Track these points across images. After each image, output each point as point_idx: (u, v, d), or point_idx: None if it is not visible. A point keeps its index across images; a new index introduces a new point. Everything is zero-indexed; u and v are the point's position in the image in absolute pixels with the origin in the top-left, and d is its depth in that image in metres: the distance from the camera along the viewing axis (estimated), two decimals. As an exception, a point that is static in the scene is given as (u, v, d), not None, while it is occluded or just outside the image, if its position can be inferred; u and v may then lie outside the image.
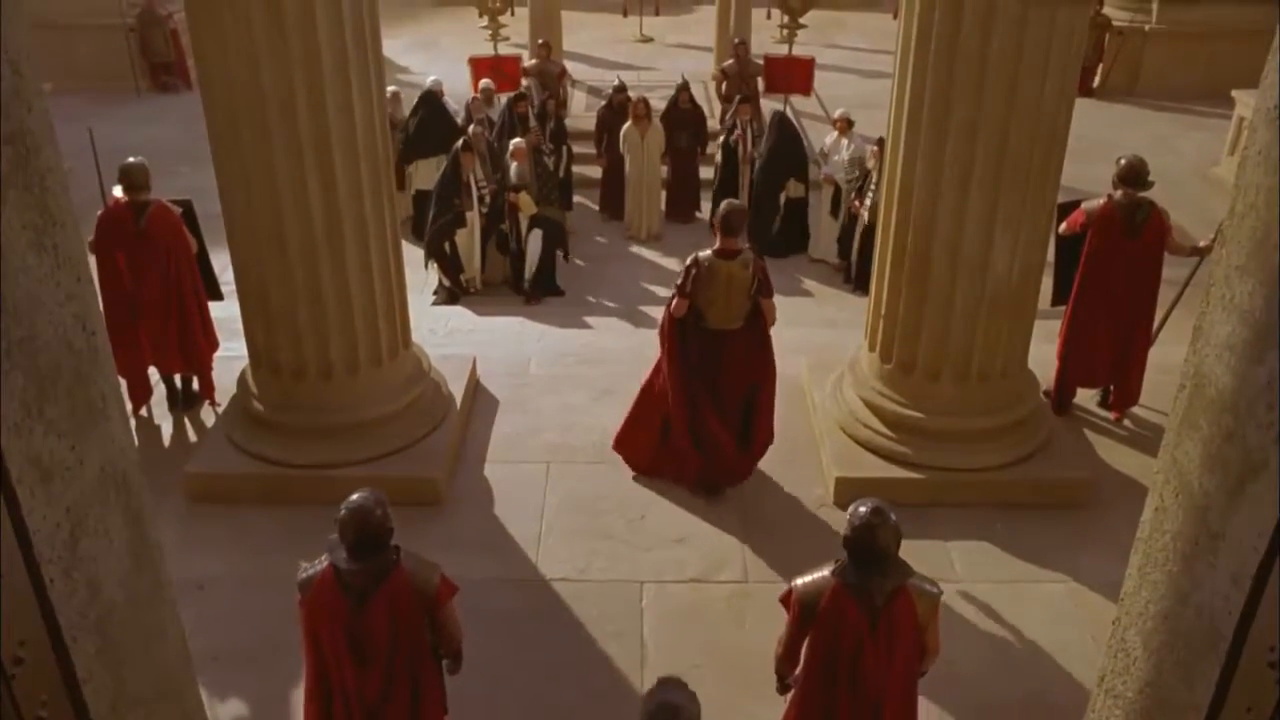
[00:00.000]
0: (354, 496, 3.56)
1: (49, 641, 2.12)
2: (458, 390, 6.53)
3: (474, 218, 9.19)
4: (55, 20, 13.32)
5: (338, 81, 5.25)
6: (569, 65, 13.89)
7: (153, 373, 6.63)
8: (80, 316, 2.17)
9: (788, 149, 10.22)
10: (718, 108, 12.44)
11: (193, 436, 6.50)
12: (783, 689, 3.92)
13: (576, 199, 11.15)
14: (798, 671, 3.79)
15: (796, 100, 13.11)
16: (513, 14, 13.61)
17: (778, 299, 5.85)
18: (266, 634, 4.81)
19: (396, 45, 16.00)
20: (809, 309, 8.97)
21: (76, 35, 14.11)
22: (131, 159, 6.22)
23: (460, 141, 9.15)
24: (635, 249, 10.52)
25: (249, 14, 4.98)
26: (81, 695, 2.23)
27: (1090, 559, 5.42)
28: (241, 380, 6.14)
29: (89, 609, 2.24)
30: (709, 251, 5.55)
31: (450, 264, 9.28)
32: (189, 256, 6.45)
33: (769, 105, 11.89)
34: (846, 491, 5.61)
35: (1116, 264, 6.23)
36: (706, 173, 10.99)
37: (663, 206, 10.84)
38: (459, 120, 10.49)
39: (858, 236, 9.33)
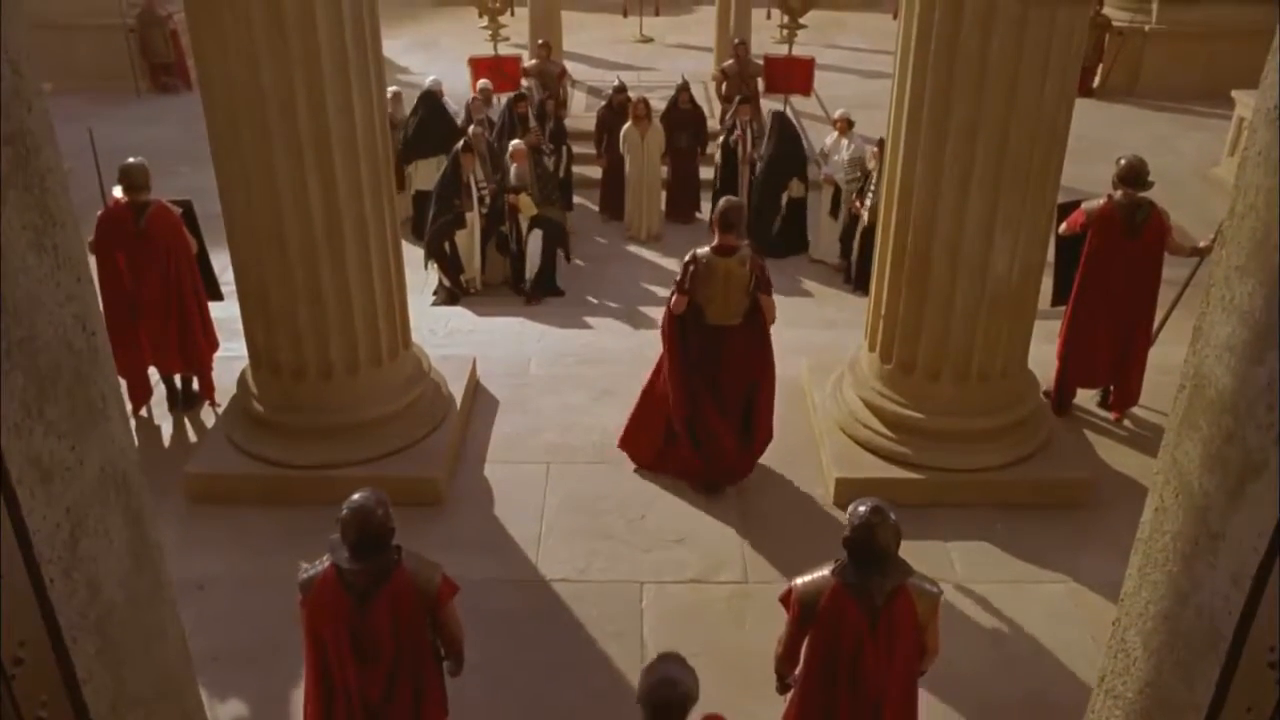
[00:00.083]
0: (355, 496, 3.56)
1: (49, 641, 2.12)
2: (458, 390, 6.53)
3: (474, 218, 9.19)
4: (55, 20, 13.32)
5: (338, 82, 5.25)
6: (569, 65, 13.89)
7: (153, 373, 6.63)
8: (80, 316, 2.17)
9: (789, 150, 10.23)
10: (718, 108, 12.44)
11: (193, 437, 6.50)
12: (783, 688, 3.92)
13: (576, 199, 11.15)
14: (797, 671, 3.79)
15: (796, 100, 13.11)
16: (513, 14, 13.62)
17: (778, 299, 5.86)
18: (266, 634, 4.81)
19: (396, 45, 16.00)
20: (809, 309, 8.97)
21: (76, 35, 14.11)
22: (131, 159, 6.23)
23: (461, 143, 9.15)
24: (635, 249, 10.52)
25: (249, 14, 4.98)
26: (81, 695, 2.23)
27: (1090, 559, 5.42)
28: (241, 380, 6.14)
29: (89, 609, 2.24)
30: (707, 248, 5.59)
31: (450, 264, 9.28)
32: (189, 256, 6.45)
33: (769, 105, 11.89)
34: (846, 492, 5.61)
35: (1116, 264, 6.23)
36: (706, 173, 10.99)
37: (663, 207, 10.84)
38: (459, 121, 10.49)
39: (858, 236, 9.33)
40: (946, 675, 4.52)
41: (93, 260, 5.77)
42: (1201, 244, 6.40)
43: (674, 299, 5.65)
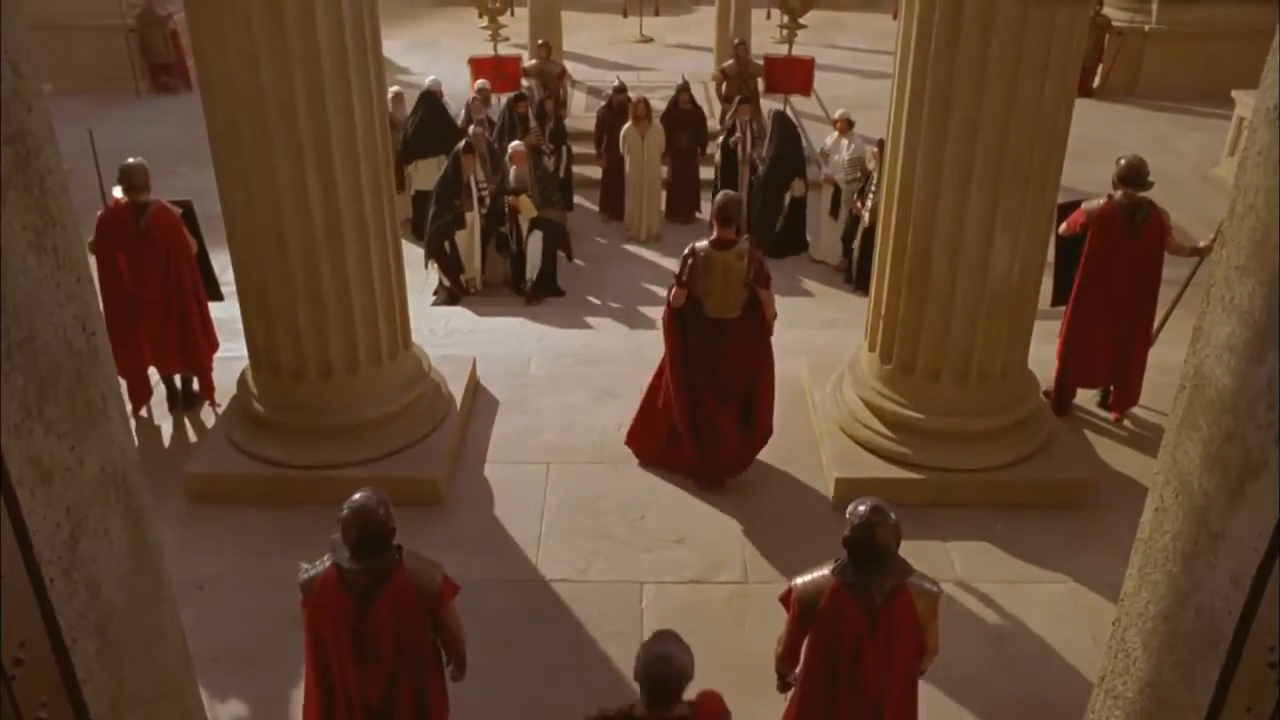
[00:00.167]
0: (356, 496, 3.57)
1: (49, 642, 2.12)
2: (458, 390, 6.53)
3: (474, 218, 9.19)
4: (55, 20, 13.31)
5: (338, 82, 5.25)
6: (569, 65, 13.88)
7: (153, 373, 6.63)
8: (80, 317, 2.17)
9: (791, 149, 10.24)
10: (718, 108, 12.43)
11: (193, 437, 6.50)
12: (783, 687, 3.93)
13: (576, 199, 11.15)
14: (797, 670, 3.80)
15: (796, 100, 13.11)
16: (513, 14, 13.62)
17: (778, 300, 5.88)
18: (266, 634, 4.81)
19: (396, 45, 15.99)
20: (809, 309, 8.97)
21: (76, 35, 14.10)
22: (131, 159, 6.23)
23: (462, 143, 9.15)
24: (635, 249, 10.52)
25: (249, 14, 4.98)
26: (81, 695, 2.23)
27: (1090, 559, 5.42)
28: (241, 381, 6.14)
29: (89, 610, 2.24)
30: (705, 242, 5.66)
31: (450, 264, 9.28)
32: (189, 257, 6.45)
33: (769, 105, 11.89)
34: (846, 492, 5.61)
35: (1116, 264, 6.23)
36: (706, 173, 10.98)
37: (663, 207, 10.84)
38: (458, 121, 10.49)
39: (859, 236, 9.33)
40: (946, 675, 4.53)
41: (93, 260, 5.77)
42: (1201, 244, 6.40)
43: (673, 292, 5.71)
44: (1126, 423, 6.63)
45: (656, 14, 18.45)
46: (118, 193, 6.34)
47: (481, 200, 9.20)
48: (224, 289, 6.83)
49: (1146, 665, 2.77)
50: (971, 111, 5.21)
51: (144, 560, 2.50)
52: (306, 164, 5.32)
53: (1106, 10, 14.82)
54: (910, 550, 3.65)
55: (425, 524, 5.45)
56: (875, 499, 3.58)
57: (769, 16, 16.16)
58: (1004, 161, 5.28)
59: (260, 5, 4.97)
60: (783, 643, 3.77)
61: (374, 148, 5.59)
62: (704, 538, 5.65)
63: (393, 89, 10.18)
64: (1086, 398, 6.77)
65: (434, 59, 15.73)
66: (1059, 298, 6.69)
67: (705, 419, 5.85)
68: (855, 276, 9.47)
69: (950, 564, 5.44)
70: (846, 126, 9.80)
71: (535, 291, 9.32)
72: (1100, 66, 14.69)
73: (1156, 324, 6.65)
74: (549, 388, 6.99)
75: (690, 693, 3.20)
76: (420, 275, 9.05)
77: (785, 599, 3.73)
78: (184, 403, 6.72)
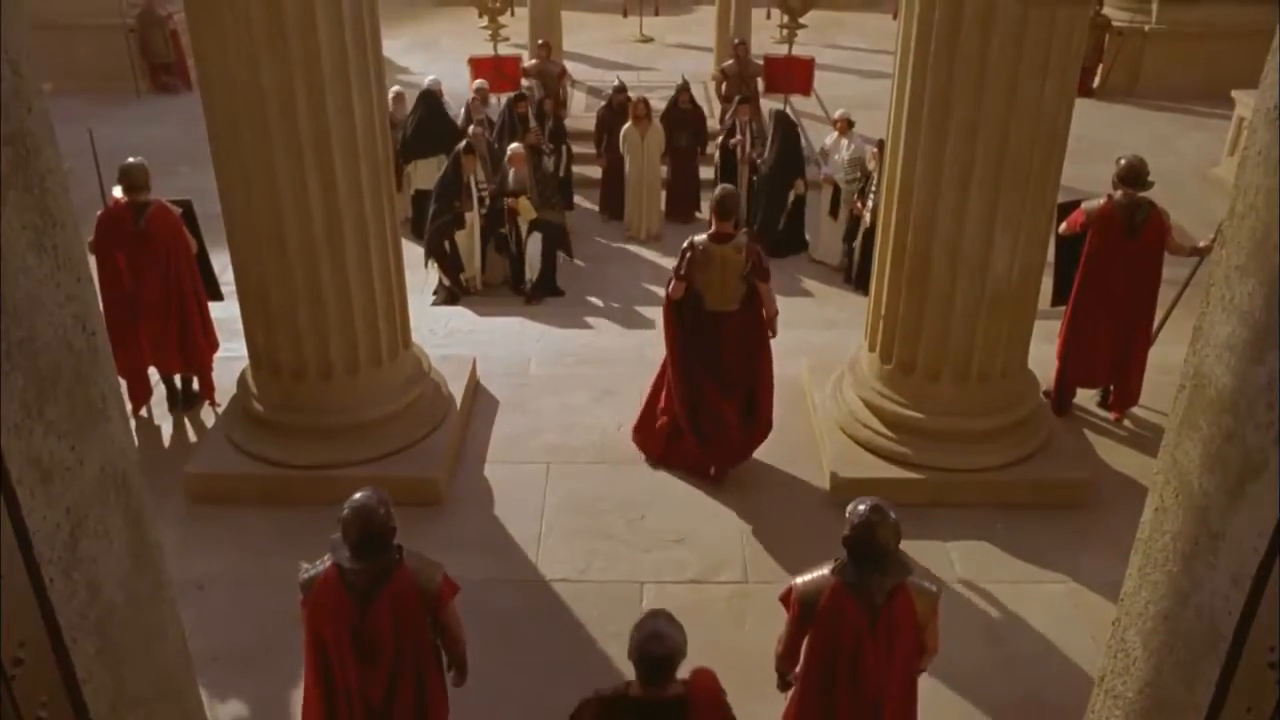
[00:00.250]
0: (357, 496, 3.57)
1: (49, 642, 2.12)
2: (458, 391, 6.53)
3: (473, 219, 9.19)
4: (55, 20, 13.30)
5: (338, 82, 5.25)
6: (569, 65, 13.88)
7: (153, 373, 6.62)
8: (80, 317, 2.17)
9: (793, 149, 10.25)
10: (718, 108, 12.44)
11: (193, 437, 6.50)
12: (784, 686, 3.93)
13: (576, 199, 11.15)
14: (798, 669, 3.80)
15: (796, 100, 13.11)
16: (513, 14, 13.62)
17: (778, 299, 5.89)
18: (266, 634, 4.81)
19: (396, 45, 15.99)
20: (809, 309, 8.97)
21: (76, 35, 14.10)
22: (131, 159, 6.23)
23: (463, 144, 9.15)
24: (635, 249, 10.52)
25: (249, 14, 4.98)
26: (81, 695, 2.23)
27: (1090, 559, 5.42)
28: (241, 380, 6.14)
29: (89, 610, 2.24)
30: (704, 236, 5.73)
31: (450, 263, 9.28)
32: (189, 257, 6.45)
33: (769, 105, 11.89)
34: (846, 492, 5.60)
35: (1116, 264, 6.23)
36: (706, 173, 10.99)
37: (663, 207, 10.84)
38: (458, 121, 10.49)
39: (860, 236, 9.33)
40: (946, 675, 4.53)
41: (93, 260, 5.77)
42: (1201, 244, 6.40)
43: (672, 285, 5.79)
44: (1126, 423, 6.62)
45: (656, 14, 18.45)
46: (118, 192, 6.34)
47: (481, 200, 9.20)
48: (224, 289, 6.83)
49: (1146, 665, 2.77)
50: (971, 111, 5.20)
51: (144, 560, 2.50)
52: (306, 164, 5.32)
53: (1106, 10, 14.82)
54: (910, 550, 3.66)
55: (425, 524, 5.45)
56: (875, 498, 3.59)
57: (769, 16, 16.17)
58: (1004, 161, 5.28)
59: (260, 5, 4.97)
60: (783, 642, 3.77)
61: (374, 148, 5.59)
62: (704, 538, 5.65)
63: (393, 89, 10.19)
64: (1086, 398, 6.77)
65: (434, 59, 15.72)
66: (1059, 298, 6.69)
67: (707, 409, 5.90)
68: (855, 276, 9.47)
69: (950, 564, 5.44)
70: (846, 126, 9.80)
71: (535, 292, 9.33)
72: (1100, 66, 14.69)
73: (1156, 324, 6.65)
74: (549, 388, 6.99)
75: (684, 670, 3.25)
76: (420, 275, 9.05)
77: (785, 598, 3.73)
78: (184, 403, 6.72)
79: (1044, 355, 6.53)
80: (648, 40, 17.82)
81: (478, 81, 11.23)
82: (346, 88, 5.30)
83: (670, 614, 3.26)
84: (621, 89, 11.05)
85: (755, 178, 10.44)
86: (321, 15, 5.08)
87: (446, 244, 9.23)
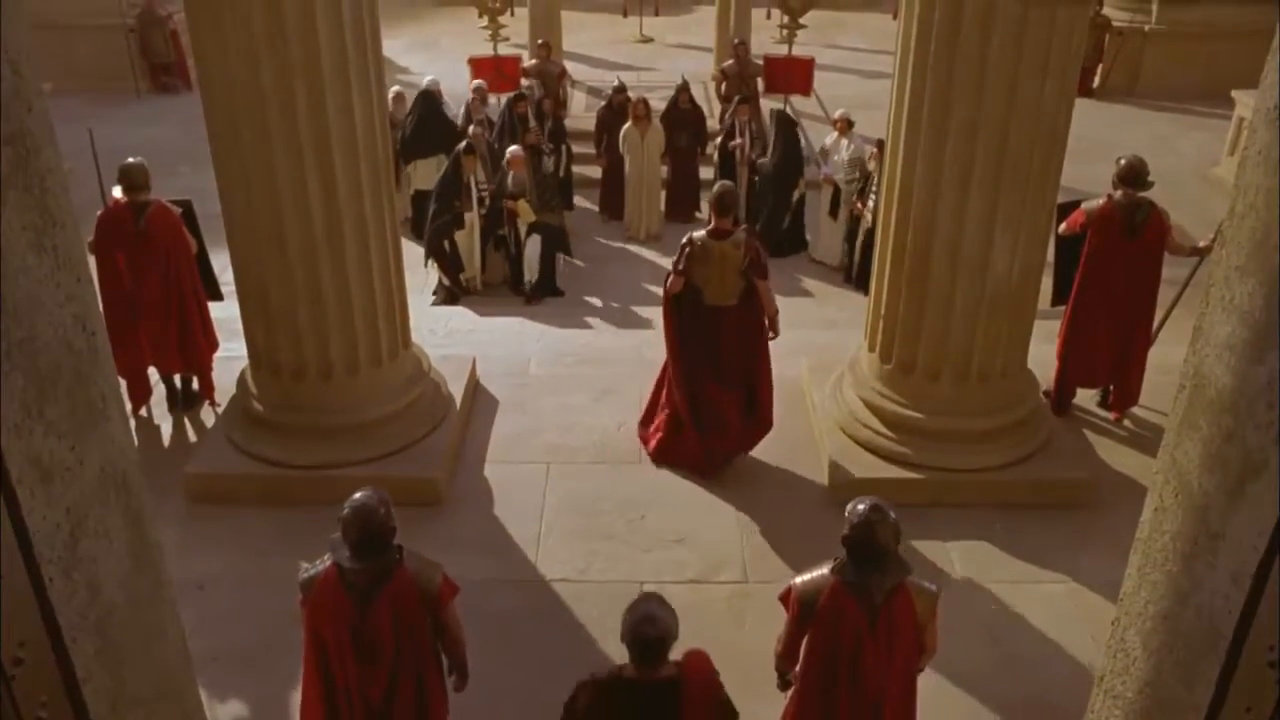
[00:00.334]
0: (357, 495, 3.57)
1: (49, 642, 2.12)
2: (458, 390, 6.53)
3: (473, 219, 9.19)
4: (55, 20, 13.30)
5: (338, 82, 5.25)
6: (569, 65, 13.89)
7: (153, 373, 6.62)
8: (80, 317, 2.17)
9: (794, 149, 10.25)
10: (717, 108, 12.44)
11: (193, 437, 6.50)
12: (784, 685, 3.93)
13: (576, 199, 11.15)
14: (797, 669, 3.80)
15: (796, 100, 13.11)
16: (513, 14, 13.61)
17: (778, 299, 5.89)
18: (266, 634, 4.81)
19: (396, 45, 15.99)
20: (809, 309, 8.97)
21: (76, 35, 14.10)
22: (131, 159, 6.23)
23: (463, 145, 9.15)
24: (635, 249, 10.52)
25: (249, 15, 4.98)
26: (81, 695, 2.23)
27: (1090, 559, 5.42)
28: (241, 380, 6.14)
29: (89, 609, 2.24)
30: (703, 231, 5.81)
31: (450, 263, 9.29)
32: (189, 256, 6.45)
33: (769, 105, 11.89)
34: (846, 492, 5.60)
35: (1116, 264, 6.23)
36: (706, 173, 10.98)
37: (662, 207, 10.84)
38: (457, 121, 10.49)
39: (861, 236, 9.33)
40: (946, 675, 4.53)
41: (93, 260, 5.77)
42: (1201, 244, 6.40)
43: (670, 279, 5.85)
44: (1126, 423, 6.62)
45: (656, 14, 18.45)
46: (118, 193, 6.34)
47: (481, 201, 9.20)
48: (224, 289, 6.83)
49: (1146, 665, 2.77)
50: (971, 111, 5.20)
51: (144, 560, 2.50)
52: (306, 164, 5.32)
53: (1106, 10, 14.82)
54: (910, 550, 3.66)
55: (425, 524, 5.45)
56: (875, 498, 3.59)
57: (769, 16, 16.16)
58: (1004, 161, 5.28)
59: (260, 6, 4.97)
60: (782, 641, 3.77)
61: (374, 148, 5.59)
62: (704, 538, 5.65)
63: (393, 89, 10.19)
64: (1086, 398, 6.77)
65: (434, 59, 15.72)
66: (1059, 298, 6.69)
67: (707, 401, 5.95)
68: (855, 276, 9.47)
69: (950, 564, 5.44)
70: (846, 126, 9.80)
71: (535, 292, 9.33)
72: (1100, 66, 14.69)
73: (1156, 324, 6.65)
74: (549, 388, 6.99)
75: (677, 652, 3.31)
76: (420, 275, 9.05)
77: (785, 598, 3.73)
78: (184, 403, 6.72)
79: (1044, 355, 6.53)
80: (648, 40, 17.82)
81: (476, 81, 11.23)
82: (346, 88, 5.30)
83: (662, 597, 3.32)
84: (621, 89, 11.05)
85: (757, 178, 10.44)
86: (321, 16, 5.08)
87: (446, 244, 9.23)
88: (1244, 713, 2.38)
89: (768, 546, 5.57)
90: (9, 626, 1.99)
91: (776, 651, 3.82)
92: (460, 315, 8.55)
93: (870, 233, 8.68)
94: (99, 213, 6.23)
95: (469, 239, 9.29)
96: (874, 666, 3.57)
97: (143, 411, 6.59)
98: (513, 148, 9.33)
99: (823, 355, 6.97)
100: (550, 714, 4.59)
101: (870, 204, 8.99)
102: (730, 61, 12.30)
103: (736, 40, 12.87)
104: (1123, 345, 6.39)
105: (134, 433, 2.77)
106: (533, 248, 9.29)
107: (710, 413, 5.95)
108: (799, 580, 3.69)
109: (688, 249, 5.76)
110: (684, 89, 11.00)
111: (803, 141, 10.89)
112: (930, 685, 4.09)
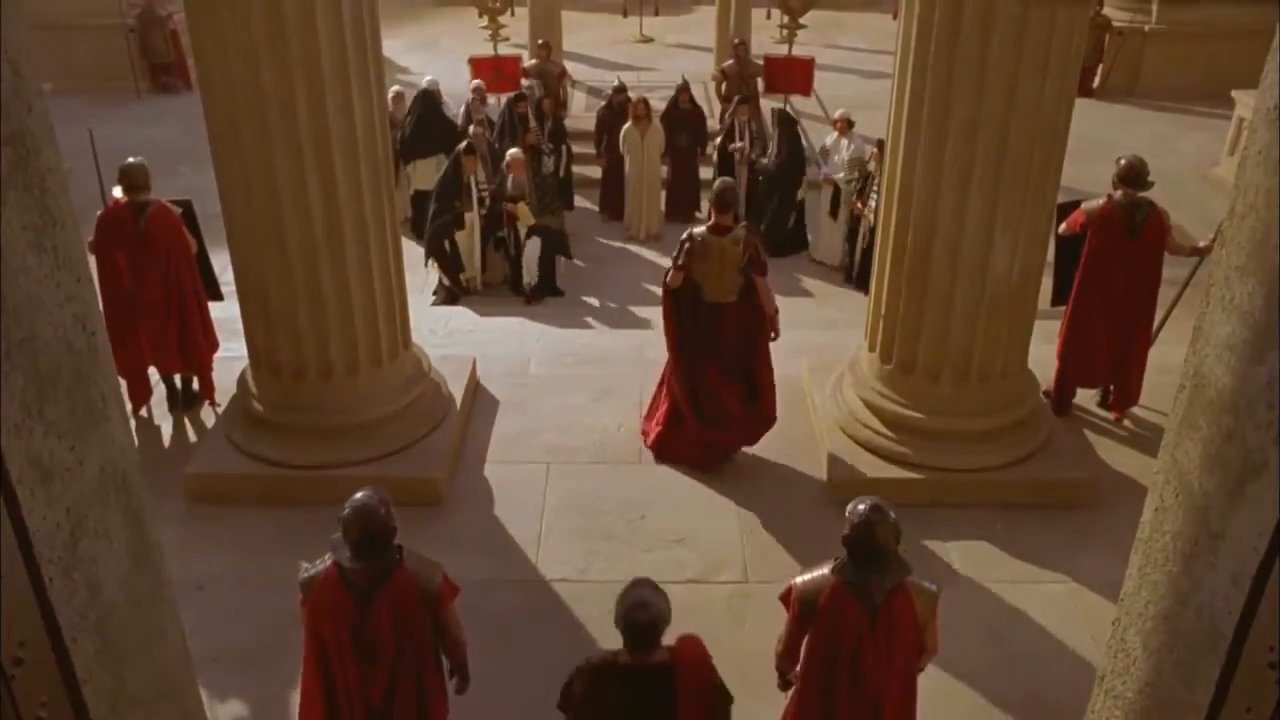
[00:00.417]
0: (358, 495, 3.57)
1: (49, 642, 2.12)
2: (458, 390, 6.52)
3: (473, 219, 9.20)
4: (55, 20, 13.30)
5: (338, 82, 5.25)
6: (569, 65, 13.89)
7: (153, 373, 6.62)
8: (80, 317, 2.17)
9: (796, 148, 10.26)
10: (717, 108, 12.44)
11: (193, 437, 6.50)
12: (784, 685, 3.93)
13: (576, 199, 11.14)
14: (798, 669, 3.80)
15: (796, 100, 13.11)
16: (513, 14, 13.61)
17: (778, 299, 5.90)
18: (266, 634, 4.81)
19: (396, 45, 15.99)
20: (809, 309, 8.97)
21: (76, 35, 14.09)
22: (131, 159, 6.22)
23: (463, 145, 9.15)
24: (635, 249, 10.53)
25: (249, 15, 4.98)
26: (81, 695, 2.23)
27: (1090, 559, 5.42)
28: (241, 380, 6.14)
29: (89, 609, 2.24)
30: (703, 228, 5.83)
31: (450, 263, 9.29)
32: (189, 256, 6.45)
33: (769, 105, 11.88)
34: (846, 492, 5.60)
35: (1116, 264, 6.23)
36: (706, 173, 10.98)
37: (662, 207, 10.84)
38: (457, 121, 10.49)
39: (861, 236, 9.33)
40: (946, 675, 4.53)
41: (93, 260, 5.77)
42: (1201, 244, 6.40)
43: (670, 275, 5.89)
44: (1126, 423, 6.62)
45: (656, 14, 18.45)
46: (118, 192, 6.34)
47: (481, 201, 9.20)
48: (224, 289, 6.83)
49: (1146, 665, 2.77)
50: (971, 111, 5.20)
51: (144, 560, 2.50)
52: (306, 164, 5.32)
53: (1106, 10, 14.82)
54: (910, 550, 3.65)
55: (425, 524, 5.44)
56: (875, 498, 3.59)
57: (769, 16, 16.15)
58: (1004, 161, 5.28)
59: (260, 5, 4.97)
60: (783, 641, 3.77)
61: (374, 147, 5.59)
62: (704, 538, 5.65)
63: (393, 89, 10.19)
64: (1086, 398, 6.77)
65: (434, 59, 15.72)
66: (1059, 298, 6.69)
67: (708, 391, 5.98)
68: (855, 276, 9.47)
69: (950, 564, 5.44)
70: (846, 126, 9.81)
71: (535, 292, 9.34)
72: (1100, 66, 14.69)
73: (1156, 324, 6.65)
74: (549, 388, 6.99)
75: (670, 637, 3.36)
76: (420, 275, 9.05)
77: (785, 598, 3.73)
78: (184, 403, 6.72)
79: (1044, 355, 6.53)
80: (648, 40, 17.82)
81: (475, 81, 11.23)
82: (346, 88, 5.30)
83: (653, 582, 3.36)
84: (621, 89, 11.05)
85: (759, 179, 10.44)
86: (321, 16, 5.08)
87: (446, 244, 9.23)
88: (1244, 713, 2.38)
89: (768, 546, 5.57)
90: (9, 626, 1.99)
91: (777, 651, 3.82)
92: (460, 315, 8.55)
93: (873, 233, 8.69)
94: (99, 213, 6.23)
95: (469, 239, 9.29)
96: (874, 666, 3.57)
97: (143, 411, 6.59)
98: (512, 150, 9.33)
99: (823, 355, 6.97)
100: (550, 713, 4.60)
101: (871, 203, 8.99)
102: (730, 61, 12.30)
103: (736, 40, 12.87)
104: (1123, 345, 6.39)
105: (134, 433, 2.77)
106: (532, 250, 9.30)
107: (711, 402, 5.97)
108: (799, 580, 3.69)
109: (687, 244, 5.79)
110: (684, 89, 11.00)
111: (803, 141, 10.89)
112: (930, 685, 4.08)
